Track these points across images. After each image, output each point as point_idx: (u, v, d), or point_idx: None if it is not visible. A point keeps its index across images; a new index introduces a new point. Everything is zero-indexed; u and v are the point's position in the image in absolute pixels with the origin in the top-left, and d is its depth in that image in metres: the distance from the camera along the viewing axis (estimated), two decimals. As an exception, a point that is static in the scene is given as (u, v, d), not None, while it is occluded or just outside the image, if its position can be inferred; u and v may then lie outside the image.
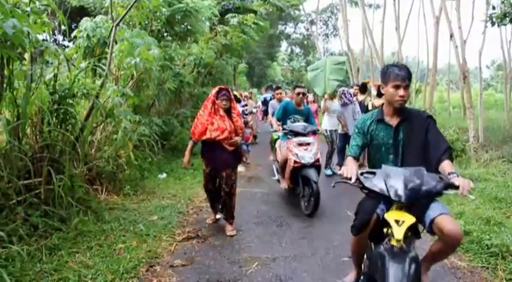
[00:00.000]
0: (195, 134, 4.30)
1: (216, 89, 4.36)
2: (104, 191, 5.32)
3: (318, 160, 5.13)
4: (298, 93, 5.83)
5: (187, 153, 4.45)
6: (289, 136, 5.42)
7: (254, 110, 11.15)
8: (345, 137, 7.29)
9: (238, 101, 9.34)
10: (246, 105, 10.13)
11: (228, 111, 4.35)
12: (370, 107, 7.53)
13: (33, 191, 3.96)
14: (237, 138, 4.37)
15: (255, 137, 11.80)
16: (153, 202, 5.42)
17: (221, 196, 4.43)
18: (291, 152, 5.14)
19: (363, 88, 8.14)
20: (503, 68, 15.86)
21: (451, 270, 3.42)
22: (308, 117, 5.91)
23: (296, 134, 5.33)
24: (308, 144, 5.17)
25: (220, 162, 4.30)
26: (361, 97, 7.95)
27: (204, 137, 4.23)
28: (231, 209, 4.47)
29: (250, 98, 12.77)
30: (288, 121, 5.80)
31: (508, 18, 8.13)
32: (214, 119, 4.23)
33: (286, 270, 3.49)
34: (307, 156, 5.02)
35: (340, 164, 7.24)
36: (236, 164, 4.55)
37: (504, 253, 3.51)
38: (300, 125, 5.52)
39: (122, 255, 3.63)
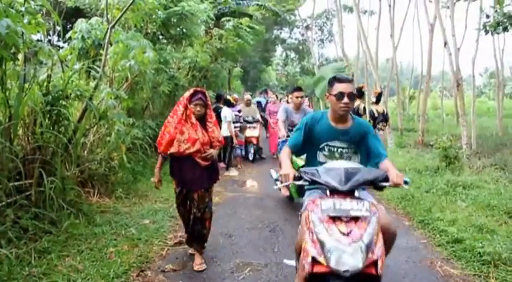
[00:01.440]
0: (161, 144, 3.55)
1: (191, 91, 3.59)
2: (95, 193, 5.28)
3: (374, 263, 2.06)
4: (341, 95, 2.65)
5: (156, 170, 3.69)
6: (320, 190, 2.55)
7: (258, 117, 10.18)
8: None
9: (231, 105, 9.26)
10: (240, 110, 9.59)
11: (203, 119, 3.63)
12: (361, 112, 7.64)
13: (24, 192, 3.91)
14: (212, 151, 3.62)
15: (260, 150, 10.50)
16: (145, 206, 5.38)
17: (191, 220, 3.68)
18: (310, 232, 2.20)
19: (359, 93, 8.16)
20: (496, 75, 16.03)
21: (444, 278, 3.42)
22: (362, 145, 2.82)
23: (331, 189, 2.31)
24: (355, 220, 2.15)
25: (192, 180, 3.55)
26: (356, 102, 7.99)
27: (172, 150, 3.49)
28: (201, 237, 3.76)
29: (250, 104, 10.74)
30: (320, 154, 2.85)
31: (501, 27, 8.25)
32: (184, 128, 3.49)
33: (278, 276, 3.46)
34: (346, 252, 2.02)
35: None
36: (212, 183, 3.74)
37: (496, 261, 3.52)
38: (336, 168, 2.40)
39: (113, 260, 3.59)
